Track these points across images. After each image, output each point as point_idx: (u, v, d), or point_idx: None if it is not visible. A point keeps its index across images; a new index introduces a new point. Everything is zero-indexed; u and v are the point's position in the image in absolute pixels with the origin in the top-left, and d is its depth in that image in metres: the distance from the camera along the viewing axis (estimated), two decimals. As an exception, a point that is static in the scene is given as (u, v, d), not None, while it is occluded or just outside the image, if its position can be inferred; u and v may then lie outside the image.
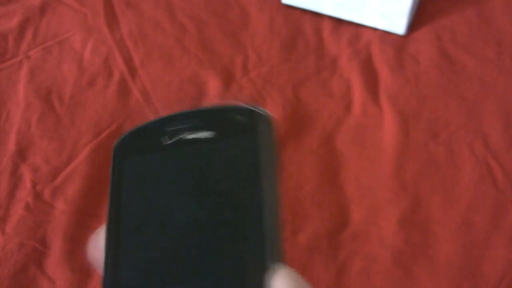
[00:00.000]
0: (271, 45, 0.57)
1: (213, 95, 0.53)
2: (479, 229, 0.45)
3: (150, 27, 0.59)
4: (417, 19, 0.58)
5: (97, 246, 0.23)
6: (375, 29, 0.57)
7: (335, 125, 0.51)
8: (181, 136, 0.25)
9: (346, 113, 0.52)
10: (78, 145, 0.50)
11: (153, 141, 0.26)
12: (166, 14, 0.60)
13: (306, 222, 0.45)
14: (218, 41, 0.57)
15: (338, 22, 0.58)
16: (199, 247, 0.23)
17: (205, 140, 0.25)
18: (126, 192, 0.25)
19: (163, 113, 0.27)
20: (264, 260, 0.22)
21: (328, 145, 0.50)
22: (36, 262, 0.44)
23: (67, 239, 0.45)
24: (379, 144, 0.50)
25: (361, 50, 0.56)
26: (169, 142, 0.25)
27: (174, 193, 0.24)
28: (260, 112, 0.25)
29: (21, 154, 0.50)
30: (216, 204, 0.24)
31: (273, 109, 0.51)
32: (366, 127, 0.51)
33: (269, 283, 0.21)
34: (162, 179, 0.25)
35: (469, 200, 0.46)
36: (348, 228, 0.45)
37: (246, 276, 0.22)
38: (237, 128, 0.25)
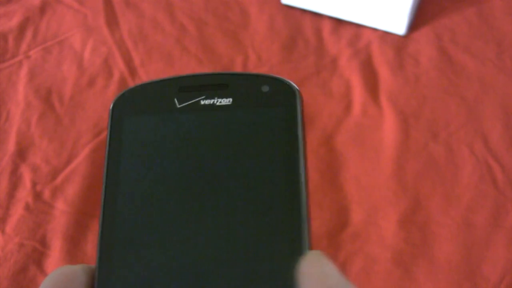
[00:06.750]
0: (271, 45, 0.57)
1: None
2: (479, 229, 0.45)
3: (150, 27, 0.59)
4: (417, 19, 0.58)
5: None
6: (375, 29, 0.57)
7: (335, 125, 0.51)
8: (197, 100, 0.22)
9: (346, 113, 0.52)
10: (78, 145, 0.50)
11: (164, 101, 0.22)
12: (166, 14, 0.60)
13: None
14: (218, 41, 0.57)
15: (338, 22, 0.58)
16: (220, 225, 0.20)
17: (225, 107, 0.22)
18: (126, 155, 0.22)
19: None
20: (300, 242, 0.20)
21: (328, 145, 0.50)
22: (36, 262, 0.44)
23: (67, 239, 0.45)
24: (379, 144, 0.50)
25: (361, 50, 0.56)
26: (183, 104, 0.22)
27: (186, 164, 0.21)
28: (288, 83, 0.23)
29: (21, 154, 0.50)
30: (240, 180, 0.21)
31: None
32: (366, 127, 0.51)
33: (300, 266, 0.19)
34: (171, 145, 0.22)
35: (469, 200, 0.46)
36: (348, 228, 0.45)
37: (279, 258, 0.20)
38: (263, 98, 0.22)
